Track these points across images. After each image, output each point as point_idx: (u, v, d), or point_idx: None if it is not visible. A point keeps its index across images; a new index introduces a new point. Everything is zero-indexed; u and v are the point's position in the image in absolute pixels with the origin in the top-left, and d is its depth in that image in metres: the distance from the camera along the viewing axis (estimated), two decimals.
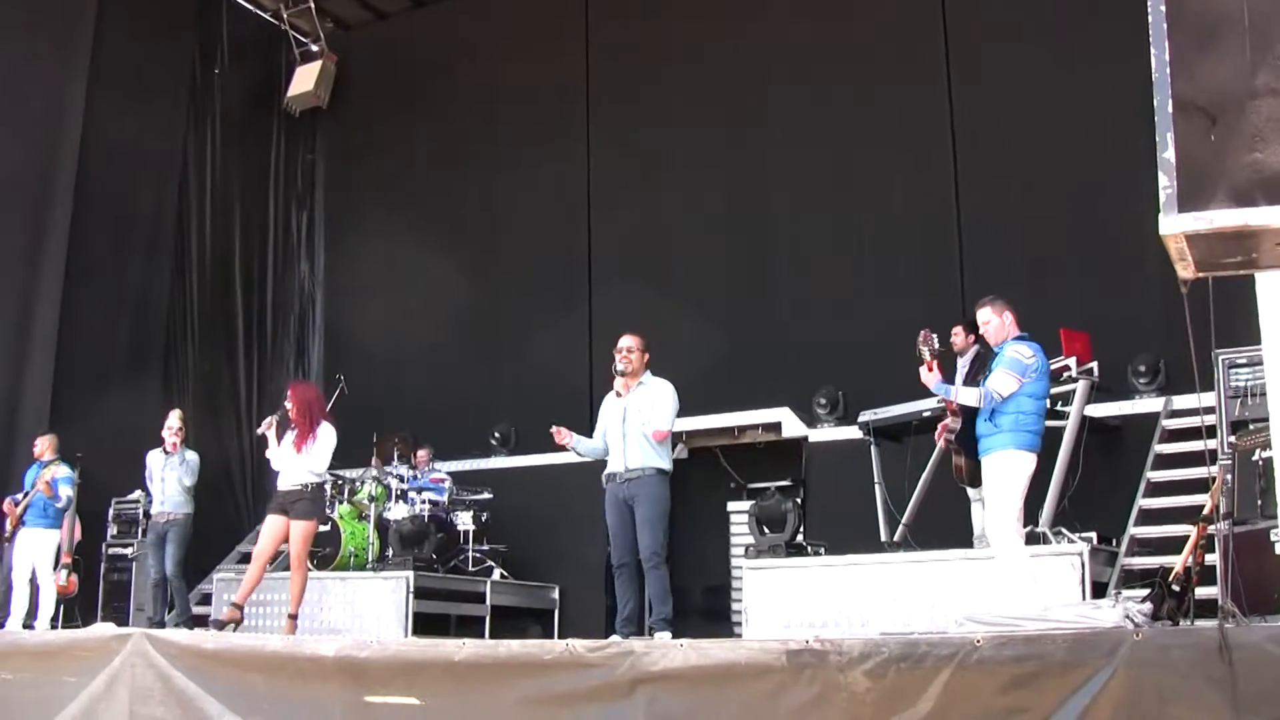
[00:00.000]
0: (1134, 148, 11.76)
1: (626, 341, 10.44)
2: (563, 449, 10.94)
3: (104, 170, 16.97)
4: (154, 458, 13.49)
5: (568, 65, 17.77)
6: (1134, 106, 11.64)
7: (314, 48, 20.08)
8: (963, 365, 11.53)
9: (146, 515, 15.30)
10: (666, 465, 10.19)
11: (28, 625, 13.44)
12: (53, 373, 16.04)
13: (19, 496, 13.86)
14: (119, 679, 9.26)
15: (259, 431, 12.00)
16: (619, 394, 10.39)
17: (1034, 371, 8.86)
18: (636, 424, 10.15)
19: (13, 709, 9.94)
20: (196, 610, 14.77)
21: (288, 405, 11.66)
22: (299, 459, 11.46)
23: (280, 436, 11.69)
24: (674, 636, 9.17)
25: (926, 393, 9.76)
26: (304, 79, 19.83)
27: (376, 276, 19.01)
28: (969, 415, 9.14)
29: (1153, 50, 4.03)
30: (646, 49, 17.27)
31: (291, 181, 20.45)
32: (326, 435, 11.58)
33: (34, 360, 16.05)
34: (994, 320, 9.11)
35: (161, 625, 12.86)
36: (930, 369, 9.17)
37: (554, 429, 10.67)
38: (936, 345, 9.29)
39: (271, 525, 11.51)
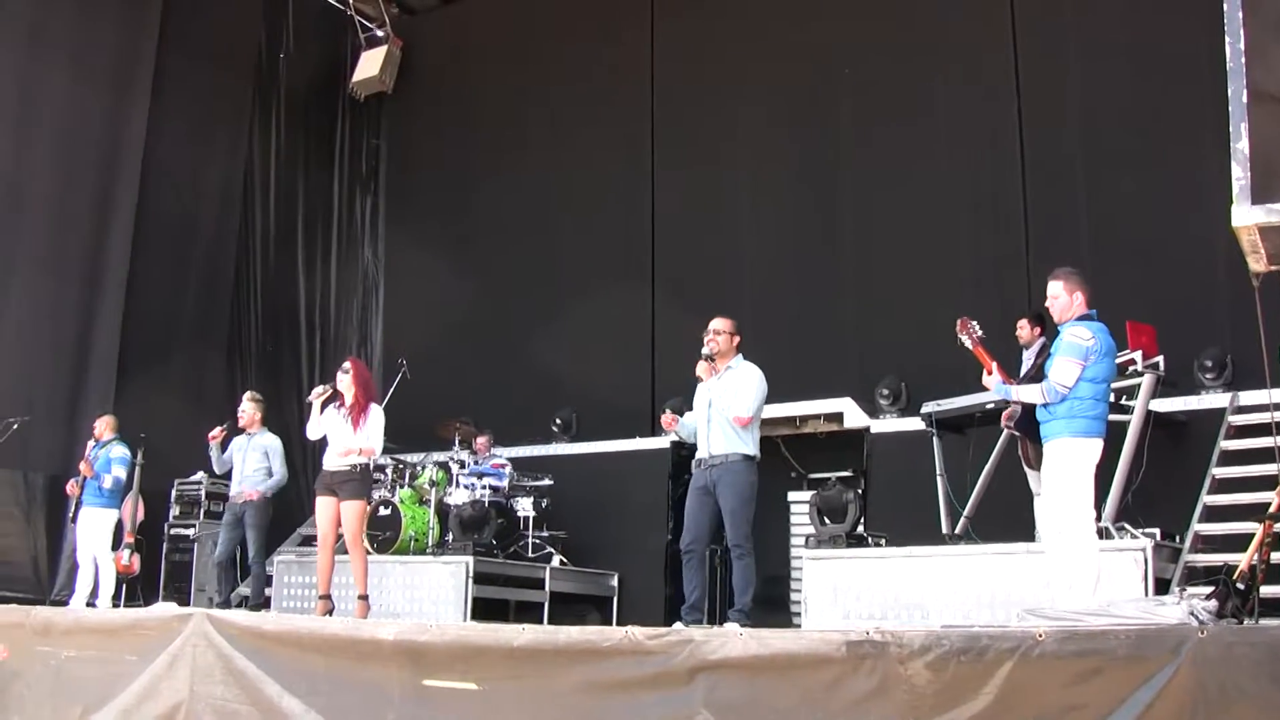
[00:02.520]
0: (1205, 138, 11.68)
1: (715, 324, 10.29)
2: (661, 433, 10.88)
3: (170, 153, 17.12)
4: (237, 439, 13.59)
5: (633, 51, 17.76)
6: (1206, 94, 11.58)
7: (379, 33, 20.18)
8: (1028, 358, 11.44)
9: (209, 496, 15.45)
10: (752, 451, 10.04)
11: (90, 604, 13.57)
12: (117, 354, 16.22)
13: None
14: (180, 658, 9.35)
15: (309, 399, 11.89)
16: (700, 378, 10.32)
17: (1094, 353, 8.46)
18: (721, 409, 10.06)
19: (76, 685, 10.04)
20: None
21: (344, 378, 11.57)
22: (355, 437, 11.39)
23: (322, 409, 11.66)
24: None
25: None
26: (369, 64, 19.93)
27: (439, 261, 19.02)
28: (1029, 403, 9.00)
29: (1227, 39, 3.97)
30: (713, 36, 17.20)
31: (355, 166, 20.57)
32: (379, 416, 11.58)
33: (98, 342, 16.22)
34: (1062, 297, 8.66)
35: (225, 605, 12.95)
36: (990, 370, 9.04)
37: (664, 418, 10.64)
38: (978, 332, 9.16)
39: (326, 508, 11.45)
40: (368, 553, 13.76)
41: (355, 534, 11.43)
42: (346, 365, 11.77)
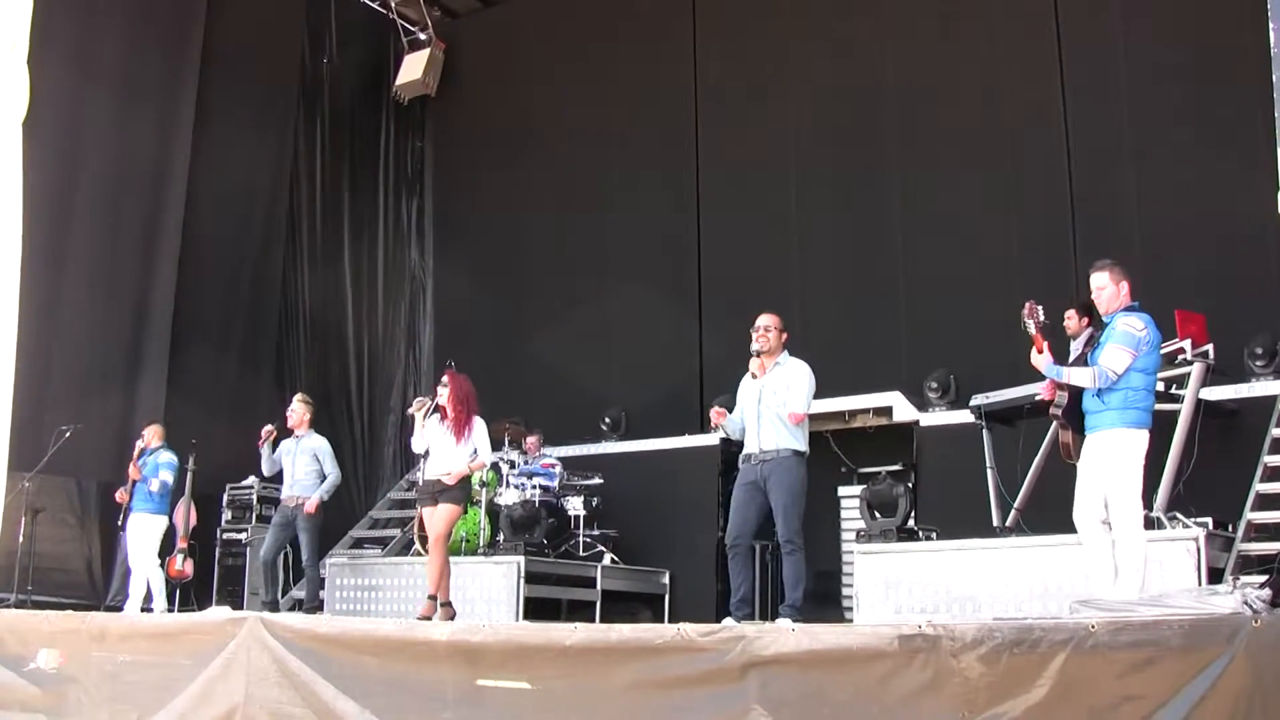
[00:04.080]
0: (1253, 124, 11.62)
1: (764, 320, 10.30)
2: (709, 430, 10.89)
3: (216, 160, 17.24)
4: (286, 442, 13.67)
5: (676, 48, 17.77)
6: (1253, 81, 11.52)
7: (422, 36, 20.28)
8: (1076, 348, 11.33)
9: (261, 500, 15.54)
10: (802, 447, 10.07)
11: (145, 609, 13.67)
12: (167, 361, 16.33)
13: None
14: (235, 662, 9.40)
15: (410, 411, 11.98)
16: (754, 375, 10.33)
17: (1145, 344, 8.50)
18: (772, 405, 10.06)
19: (132, 690, 10.10)
20: None
21: (444, 392, 11.71)
22: (456, 449, 11.57)
23: (424, 421, 11.75)
24: None
25: (1038, 376, 9.56)
26: (412, 67, 20.01)
27: (486, 262, 19.11)
28: (1076, 391, 8.93)
29: (1271, 24, 3.97)
30: (757, 31, 17.19)
31: (401, 169, 20.66)
32: (483, 428, 11.72)
33: (149, 349, 16.36)
34: (1109, 287, 8.69)
35: (274, 606, 13.02)
36: (1040, 350, 8.96)
37: (714, 411, 10.63)
38: (1041, 317, 9.07)
39: (428, 517, 11.67)
40: (418, 554, 13.92)
41: (442, 535, 11.53)
42: (445, 379, 11.91)
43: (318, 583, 13.69)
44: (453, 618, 11.51)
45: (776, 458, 9.98)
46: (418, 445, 11.84)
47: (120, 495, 14.16)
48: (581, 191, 18.40)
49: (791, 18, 16.83)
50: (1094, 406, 8.59)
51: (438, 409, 11.73)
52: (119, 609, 14.01)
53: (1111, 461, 8.52)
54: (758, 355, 10.25)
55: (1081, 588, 9.32)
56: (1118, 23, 14.24)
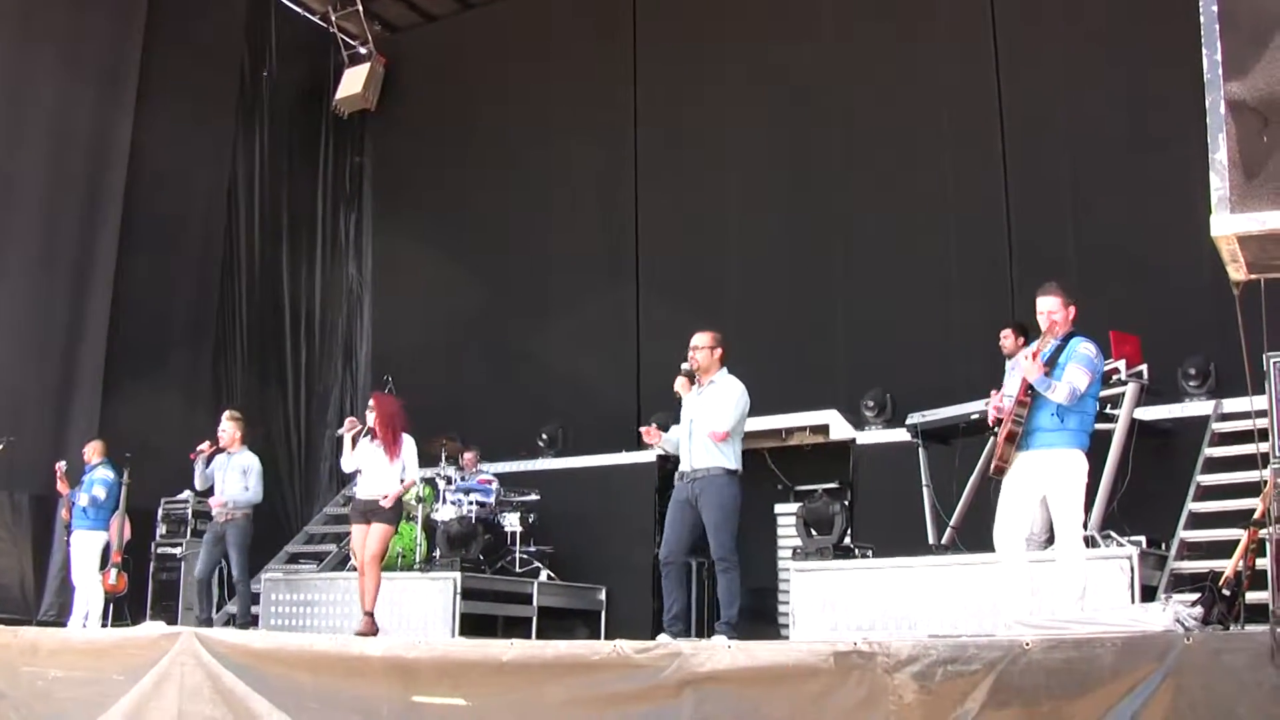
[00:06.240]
0: (1186, 147, 11.72)
1: (696, 339, 10.31)
2: (645, 447, 10.89)
3: (153, 173, 17.06)
4: (219, 458, 13.61)
5: (616, 65, 17.77)
6: (1187, 105, 11.60)
7: (362, 50, 20.17)
8: (1011, 367, 11.39)
9: (196, 515, 15.43)
10: (734, 465, 10.03)
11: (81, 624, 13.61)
12: (102, 375, 16.17)
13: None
14: (168, 677, 9.34)
15: (340, 432, 12.27)
16: (679, 393, 10.36)
17: (1098, 371, 8.63)
18: (702, 423, 10.08)
19: (62, 706, 10.03)
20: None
21: (370, 415, 11.94)
22: (390, 469, 11.77)
23: (354, 443, 11.87)
24: None
25: (975, 395, 9.56)
26: (352, 81, 19.91)
27: (424, 278, 19.05)
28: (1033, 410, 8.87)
29: (1204, 50, 4.00)
30: (695, 49, 17.20)
31: (340, 184, 20.54)
32: (412, 446, 11.93)
33: (84, 362, 16.18)
34: (1061, 312, 8.67)
35: (209, 623, 12.95)
36: (1035, 356, 8.79)
37: (644, 429, 10.63)
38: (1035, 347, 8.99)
39: (361, 535, 11.82)
40: (353, 570, 13.88)
41: (376, 553, 11.77)
42: (371, 402, 12.16)
43: (249, 598, 13.63)
44: (375, 630, 11.56)
45: (708, 476, 9.97)
46: (348, 465, 12.11)
47: (64, 513, 14.12)
48: (520, 208, 18.37)
49: (734, 27, 16.90)
50: (1050, 425, 8.56)
51: (369, 431, 11.92)
52: (51, 624, 13.90)
53: (1063, 480, 8.53)
54: (688, 375, 10.26)
55: (1015, 605, 9.36)
56: (1056, 50, 14.34)
